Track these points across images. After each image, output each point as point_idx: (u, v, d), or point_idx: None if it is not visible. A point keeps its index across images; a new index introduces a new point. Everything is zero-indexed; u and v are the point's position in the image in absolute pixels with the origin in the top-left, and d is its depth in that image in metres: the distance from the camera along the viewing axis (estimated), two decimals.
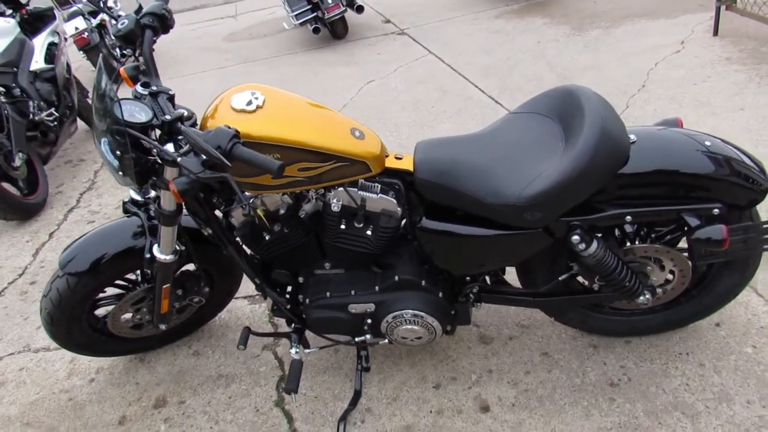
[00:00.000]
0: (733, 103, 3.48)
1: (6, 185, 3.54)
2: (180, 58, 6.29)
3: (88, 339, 2.12)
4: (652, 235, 1.78)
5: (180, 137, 1.54)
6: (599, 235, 1.67)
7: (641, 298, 1.75)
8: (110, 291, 2.06)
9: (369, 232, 1.74)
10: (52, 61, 4.19)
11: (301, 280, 1.95)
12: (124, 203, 1.98)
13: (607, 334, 2.07)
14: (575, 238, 1.60)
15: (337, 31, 5.84)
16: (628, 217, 1.59)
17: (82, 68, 5.84)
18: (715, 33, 4.43)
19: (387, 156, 1.73)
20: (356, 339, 1.93)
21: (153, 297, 2.02)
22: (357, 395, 2.01)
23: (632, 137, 1.59)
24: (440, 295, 1.83)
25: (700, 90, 3.71)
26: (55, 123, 3.97)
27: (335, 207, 1.70)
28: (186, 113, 1.63)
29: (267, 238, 1.77)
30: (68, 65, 4.47)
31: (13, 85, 3.74)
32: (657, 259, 1.78)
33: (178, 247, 1.86)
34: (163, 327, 2.10)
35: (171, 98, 1.64)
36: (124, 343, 2.25)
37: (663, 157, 1.56)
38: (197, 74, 5.68)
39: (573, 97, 1.62)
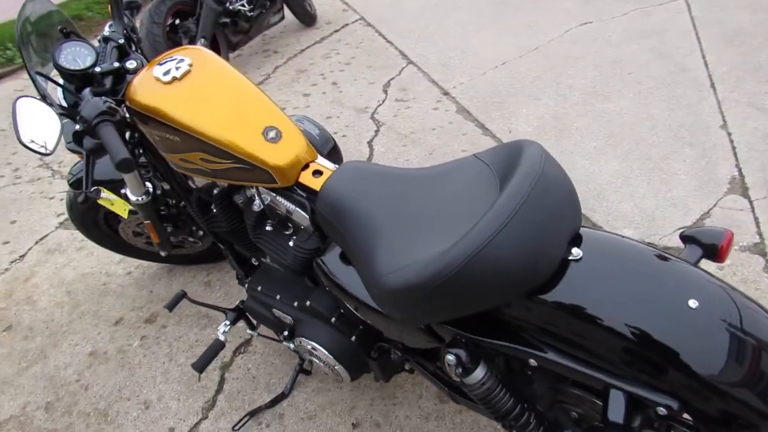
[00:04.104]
0: None
1: None
2: None
3: (112, 241, 2.30)
4: None
5: None
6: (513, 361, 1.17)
7: None
8: None
9: (290, 244, 1.50)
10: None
11: (253, 260, 1.82)
12: None
13: None
14: (449, 357, 1.12)
15: None
16: (532, 361, 1.06)
17: None
18: None
19: (307, 167, 1.41)
20: (283, 343, 1.76)
21: None
22: (281, 396, 1.87)
23: (576, 252, 1.01)
24: (353, 339, 1.53)
25: None
26: (252, 13, 4.19)
27: (255, 206, 1.51)
28: (135, 65, 1.55)
29: (212, 211, 1.66)
30: None
31: None
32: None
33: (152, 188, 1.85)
34: (163, 254, 2.18)
35: (119, 47, 1.57)
36: (150, 252, 2.40)
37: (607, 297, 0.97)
38: None
39: (516, 159, 1.08)
